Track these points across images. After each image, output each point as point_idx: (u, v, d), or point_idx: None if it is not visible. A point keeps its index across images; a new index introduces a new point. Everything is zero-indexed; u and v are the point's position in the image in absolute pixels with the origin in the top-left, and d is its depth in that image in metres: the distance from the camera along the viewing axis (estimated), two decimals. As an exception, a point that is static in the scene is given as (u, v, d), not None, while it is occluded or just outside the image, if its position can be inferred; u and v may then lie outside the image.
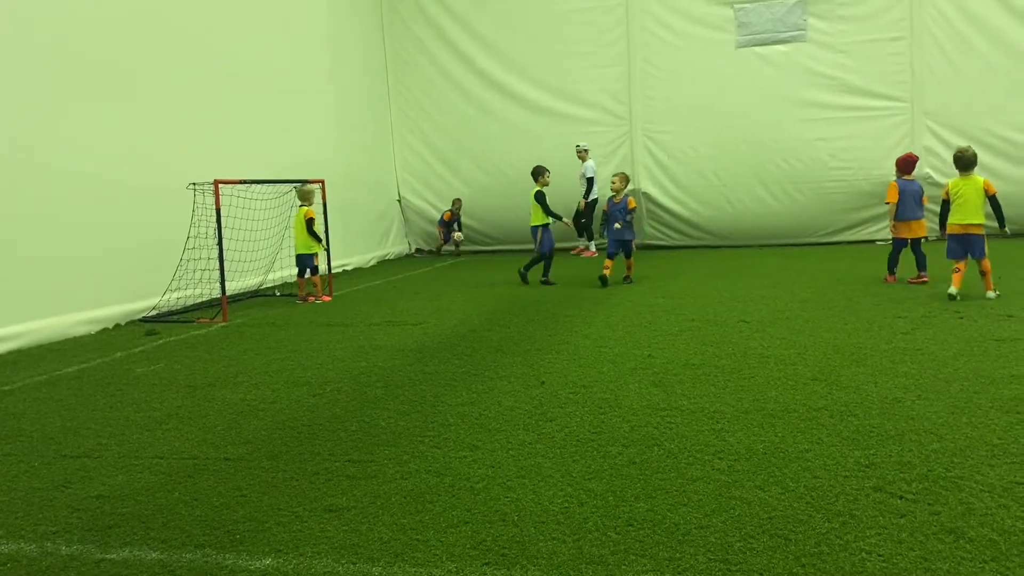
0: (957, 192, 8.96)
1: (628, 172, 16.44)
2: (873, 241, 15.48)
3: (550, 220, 11.54)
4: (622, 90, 16.50)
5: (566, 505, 3.80)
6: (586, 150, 15.89)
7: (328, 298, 11.41)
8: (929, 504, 3.61)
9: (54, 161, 9.05)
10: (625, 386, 5.87)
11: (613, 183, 11.44)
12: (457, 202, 17.12)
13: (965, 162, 8.98)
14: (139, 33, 10.33)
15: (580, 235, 16.08)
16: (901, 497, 3.70)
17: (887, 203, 10.50)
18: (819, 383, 5.69)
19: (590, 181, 15.65)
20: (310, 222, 11.18)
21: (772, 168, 15.77)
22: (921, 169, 15.05)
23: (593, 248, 16.10)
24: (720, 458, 4.29)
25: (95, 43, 9.63)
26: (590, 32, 16.48)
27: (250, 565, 3.37)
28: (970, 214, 8.84)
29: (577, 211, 15.68)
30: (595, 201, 15.73)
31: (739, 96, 15.74)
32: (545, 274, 11.70)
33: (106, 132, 9.77)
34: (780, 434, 4.63)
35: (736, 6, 15.74)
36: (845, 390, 5.47)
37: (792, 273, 11.67)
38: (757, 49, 15.70)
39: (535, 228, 11.65)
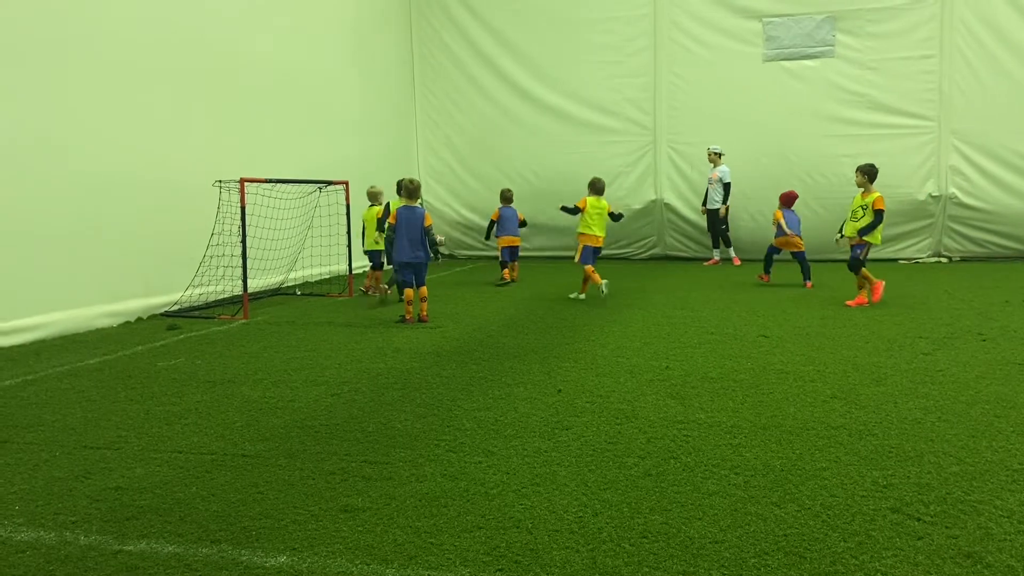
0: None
1: (651, 182, 16.53)
2: (896, 260, 15.37)
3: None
4: (647, 100, 16.48)
5: (581, 514, 3.80)
6: (719, 154, 15.27)
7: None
8: (947, 527, 3.58)
9: (81, 156, 9.16)
10: (642, 397, 5.86)
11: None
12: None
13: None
14: (169, 32, 10.44)
15: (718, 245, 15.76)
16: (919, 519, 3.67)
17: (776, 222, 12.35)
18: (838, 401, 5.65)
19: (727, 186, 15.14)
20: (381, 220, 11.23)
21: (796, 183, 15.62)
22: (946, 189, 14.99)
23: (733, 254, 15.69)
24: (736, 473, 4.28)
25: (123, 41, 9.75)
26: (617, 41, 16.48)
27: (265, 562, 3.40)
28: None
29: (719, 218, 15.36)
30: (727, 208, 15.40)
31: (765, 110, 15.67)
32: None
33: (133, 129, 9.88)
34: (798, 451, 4.61)
35: (764, 20, 15.70)
36: (864, 409, 5.44)
37: (813, 289, 11.59)
38: (785, 63, 15.64)
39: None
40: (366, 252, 11.81)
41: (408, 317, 9.39)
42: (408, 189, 9.51)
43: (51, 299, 8.79)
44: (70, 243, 9.00)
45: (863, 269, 10.01)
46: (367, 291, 11.86)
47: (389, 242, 10.09)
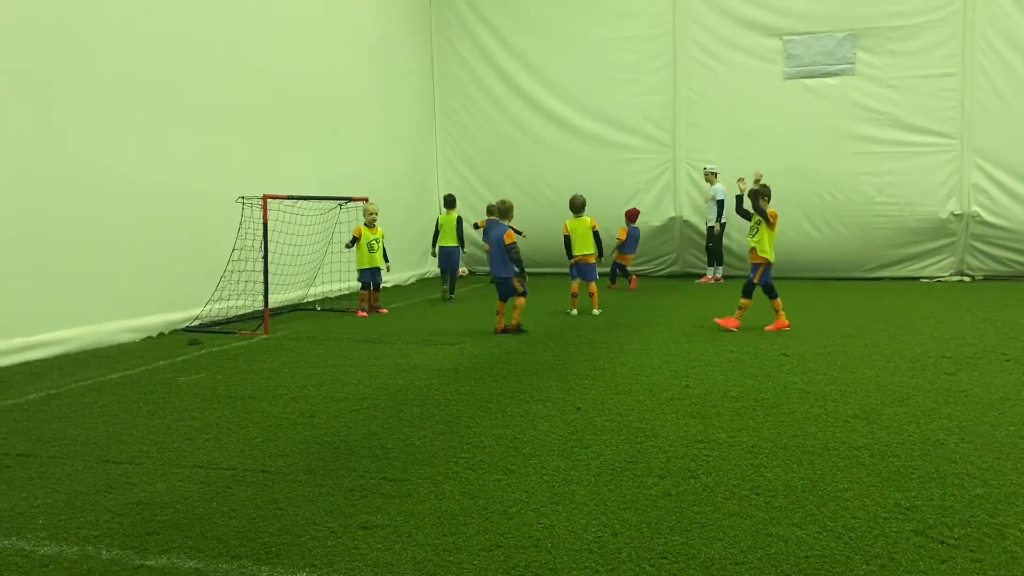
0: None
1: (670, 200, 16.53)
2: (918, 278, 15.25)
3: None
4: (666, 117, 16.50)
5: (600, 534, 3.78)
6: (715, 173, 15.41)
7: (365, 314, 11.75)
8: (971, 551, 3.54)
9: (104, 173, 9.27)
10: (662, 416, 5.83)
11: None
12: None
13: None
14: (189, 49, 10.55)
15: (711, 263, 15.90)
16: (942, 542, 3.63)
17: (618, 239, 14.31)
18: (860, 421, 5.61)
19: (720, 204, 15.25)
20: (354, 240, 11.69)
21: (816, 200, 15.63)
22: (969, 207, 14.88)
23: (720, 274, 15.85)
24: (757, 494, 4.25)
25: (146, 59, 9.86)
26: (636, 59, 16.54)
27: (285, 579, 3.41)
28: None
29: (714, 236, 15.47)
30: (724, 224, 15.49)
31: (785, 127, 15.65)
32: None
33: (156, 146, 9.98)
34: (819, 472, 4.57)
35: (784, 38, 15.70)
36: (886, 429, 5.39)
37: (834, 307, 11.53)
38: (805, 81, 15.63)
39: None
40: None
41: (498, 328, 9.75)
42: (497, 209, 10.07)
43: (74, 314, 8.88)
44: (93, 258, 9.09)
45: (755, 296, 9.69)
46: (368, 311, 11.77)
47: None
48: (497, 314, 9.82)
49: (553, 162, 17.12)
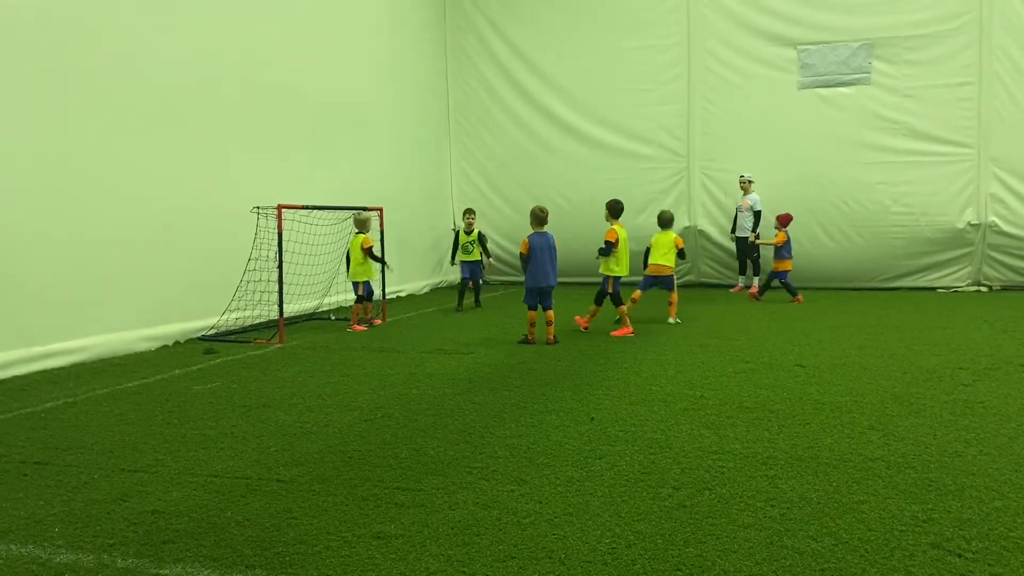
0: None
1: (685, 209, 16.49)
2: (935, 288, 15.14)
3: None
4: (680, 127, 16.49)
5: (614, 546, 3.77)
6: (751, 181, 15.28)
7: (378, 321, 11.70)
8: (989, 564, 3.50)
9: (122, 183, 9.35)
10: (676, 427, 5.81)
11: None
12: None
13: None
14: (207, 61, 10.65)
15: (744, 272, 15.75)
16: (960, 555, 3.59)
17: (776, 244, 13.80)
18: (876, 432, 5.57)
19: (758, 215, 15.09)
20: (369, 250, 11.25)
21: (831, 210, 15.57)
22: (986, 217, 14.78)
23: (753, 283, 15.58)
24: (772, 505, 4.22)
25: (163, 70, 9.96)
26: (650, 69, 16.54)
27: (299, 588, 3.41)
28: None
29: (750, 245, 15.29)
30: (759, 235, 15.23)
31: (800, 136, 15.60)
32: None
33: (173, 156, 10.06)
34: (835, 483, 4.54)
35: (799, 47, 15.67)
36: (903, 441, 5.35)
37: (850, 318, 11.46)
38: (820, 90, 15.59)
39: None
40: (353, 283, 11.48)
41: (531, 339, 9.69)
42: (538, 217, 9.71)
43: (91, 323, 8.95)
44: (109, 268, 9.16)
45: (618, 302, 10.27)
46: (368, 323, 11.49)
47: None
48: (532, 324, 9.69)
49: (566, 172, 17.14)
